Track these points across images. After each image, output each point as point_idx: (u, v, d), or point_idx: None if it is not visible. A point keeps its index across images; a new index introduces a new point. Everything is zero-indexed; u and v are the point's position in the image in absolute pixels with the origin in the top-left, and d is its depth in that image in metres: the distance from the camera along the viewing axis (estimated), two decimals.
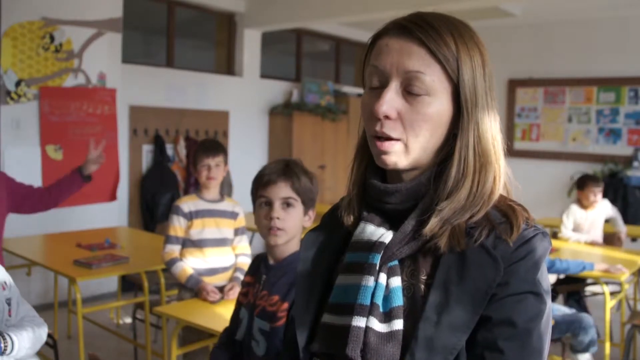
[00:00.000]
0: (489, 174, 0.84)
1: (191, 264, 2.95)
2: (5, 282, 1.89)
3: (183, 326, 2.61)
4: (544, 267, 0.82)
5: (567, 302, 4.10)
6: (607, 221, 4.81)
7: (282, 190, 1.72)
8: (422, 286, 0.84)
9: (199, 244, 2.96)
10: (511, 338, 0.78)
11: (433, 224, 0.82)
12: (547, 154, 7.37)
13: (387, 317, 0.83)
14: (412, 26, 0.84)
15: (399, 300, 0.83)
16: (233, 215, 3.04)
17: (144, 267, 3.37)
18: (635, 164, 6.55)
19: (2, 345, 1.74)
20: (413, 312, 0.83)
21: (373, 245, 0.86)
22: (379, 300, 0.83)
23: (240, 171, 5.97)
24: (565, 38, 7.12)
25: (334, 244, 0.96)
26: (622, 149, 6.89)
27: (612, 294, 3.73)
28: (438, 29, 0.83)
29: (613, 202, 5.96)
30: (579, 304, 4.10)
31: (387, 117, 0.83)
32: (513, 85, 7.54)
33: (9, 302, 1.86)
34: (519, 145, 7.51)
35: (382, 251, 0.85)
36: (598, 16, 6.75)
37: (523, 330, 0.78)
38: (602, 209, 4.72)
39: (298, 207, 1.73)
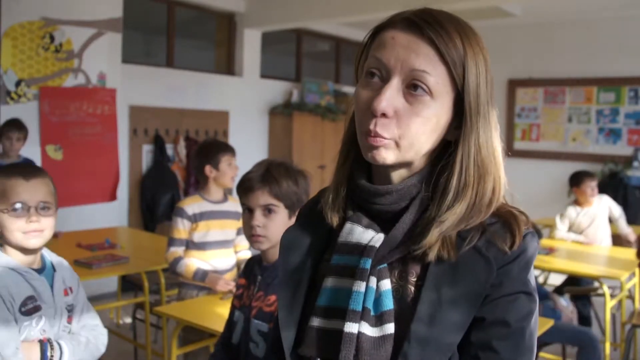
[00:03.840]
0: (488, 185, 0.82)
1: None
2: (70, 288, 1.78)
3: (183, 326, 2.61)
4: (532, 267, 0.82)
5: (575, 304, 4.06)
6: (610, 221, 4.72)
7: (261, 197, 1.69)
8: (412, 288, 0.82)
9: (202, 247, 2.92)
10: (505, 338, 0.78)
11: (434, 235, 0.80)
12: (547, 154, 7.36)
13: (379, 320, 0.81)
14: (422, 23, 0.80)
15: (389, 304, 0.81)
16: (237, 216, 3.00)
17: (144, 267, 3.37)
18: (635, 164, 6.54)
19: (49, 354, 1.58)
20: (403, 313, 0.81)
21: (364, 249, 0.83)
22: (369, 304, 0.81)
23: (240, 171, 5.88)
24: (565, 38, 7.11)
25: (317, 243, 0.93)
26: (622, 149, 6.88)
27: (613, 295, 3.72)
28: (448, 30, 0.79)
29: None
30: (586, 307, 4.07)
31: (384, 115, 0.79)
32: (513, 85, 7.53)
33: (70, 308, 1.73)
34: (519, 145, 7.51)
35: (374, 256, 0.82)
36: (598, 16, 6.75)
37: (516, 329, 0.78)
38: (603, 205, 4.62)
39: (280, 212, 1.70)
